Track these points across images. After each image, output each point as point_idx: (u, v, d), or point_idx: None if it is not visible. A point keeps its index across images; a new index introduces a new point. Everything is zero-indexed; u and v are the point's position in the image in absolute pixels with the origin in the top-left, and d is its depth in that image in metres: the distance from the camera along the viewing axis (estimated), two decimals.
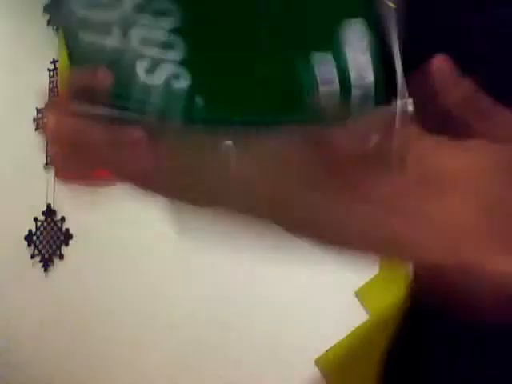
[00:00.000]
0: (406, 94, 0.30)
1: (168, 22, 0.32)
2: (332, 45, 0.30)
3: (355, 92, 0.31)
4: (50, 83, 2.72)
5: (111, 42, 0.32)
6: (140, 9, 0.32)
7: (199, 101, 0.32)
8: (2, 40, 2.91)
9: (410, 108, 0.30)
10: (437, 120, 0.32)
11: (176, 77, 0.32)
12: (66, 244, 2.58)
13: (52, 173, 2.64)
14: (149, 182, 0.37)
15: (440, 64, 0.32)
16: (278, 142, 0.32)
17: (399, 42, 0.30)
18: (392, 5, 0.30)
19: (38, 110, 2.73)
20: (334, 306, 1.83)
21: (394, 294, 1.89)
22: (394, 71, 0.30)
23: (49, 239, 2.63)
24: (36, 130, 2.74)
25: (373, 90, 0.31)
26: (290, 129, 0.31)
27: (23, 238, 2.67)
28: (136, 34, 0.32)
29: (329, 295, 1.84)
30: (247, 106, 0.33)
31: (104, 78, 0.32)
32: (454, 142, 0.32)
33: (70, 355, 2.49)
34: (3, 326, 2.65)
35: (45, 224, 2.64)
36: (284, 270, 1.98)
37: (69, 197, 2.66)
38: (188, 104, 0.32)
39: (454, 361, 0.44)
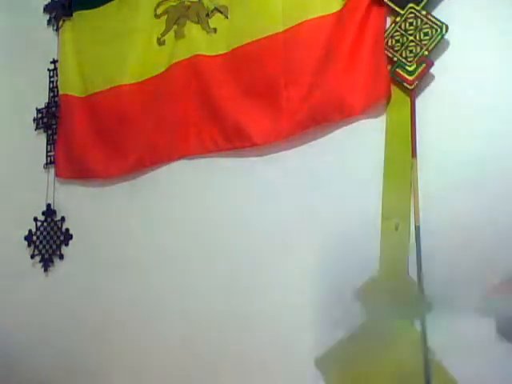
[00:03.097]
0: None
1: None
2: None
3: None
4: (49, 83, 2.72)
5: None
6: None
7: None
8: (2, 40, 2.91)
9: None
10: None
11: None
12: (66, 244, 2.58)
13: (52, 173, 2.65)
14: None
15: None
16: None
17: None
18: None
19: (38, 110, 2.73)
20: (334, 306, 1.83)
21: (393, 293, 1.91)
22: None
23: (49, 239, 2.63)
24: (36, 129, 2.74)
25: None
26: None
27: (23, 238, 2.67)
28: None
29: (329, 295, 1.84)
30: None
31: None
32: None
33: (69, 355, 2.49)
34: (3, 326, 2.65)
35: (45, 224, 2.64)
36: (284, 270, 1.98)
37: (69, 197, 2.68)
38: None
39: None
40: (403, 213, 1.74)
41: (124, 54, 2.43)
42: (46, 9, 2.76)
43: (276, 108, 2.00)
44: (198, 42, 2.23)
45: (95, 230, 2.50)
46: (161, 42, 2.35)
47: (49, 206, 2.62)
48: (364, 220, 1.82)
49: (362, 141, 1.85)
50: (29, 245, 2.66)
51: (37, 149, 2.71)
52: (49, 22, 2.75)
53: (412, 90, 1.75)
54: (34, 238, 2.66)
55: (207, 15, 2.23)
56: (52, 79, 2.71)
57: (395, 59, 1.78)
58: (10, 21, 2.91)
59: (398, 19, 1.79)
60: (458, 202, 1.67)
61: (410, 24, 1.76)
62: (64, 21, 2.67)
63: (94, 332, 2.43)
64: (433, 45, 1.72)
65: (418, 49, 1.74)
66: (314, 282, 1.89)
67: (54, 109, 2.68)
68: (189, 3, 2.29)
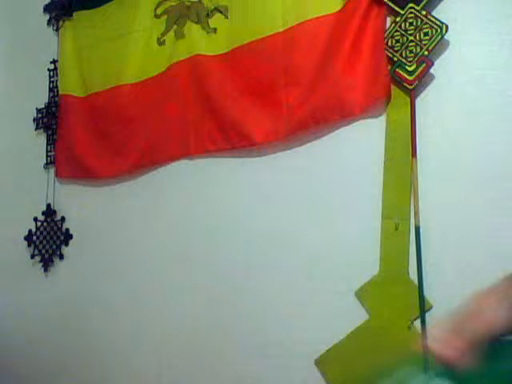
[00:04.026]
0: None
1: None
2: None
3: None
4: (49, 83, 2.72)
5: None
6: None
7: None
8: (2, 40, 2.91)
9: None
10: None
11: None
12: (66, 244, 2.58)
13: (52, 173, 2.65)
14: None
15: None
16: None
17: None
18: None
19: (38, 110, 2.73)
20: (334, 306, 1.83)
21: (393, 294, 1.92)
22: None
23: (49, 239, 2.63)
24: (36, 129, 2.74)
25: None
26: None
27: (23, 238, 2.67)
28: None
29: (329, 295, 1.84)
30: None
31: None
32: None
33: (70, 354, 2.49)
34: (3, 326, 2.65)
35: (45, 224, 2.64)
36: (284, 270, 1.98)
37: (69, 197, 2.68)
38: None
39: None
40: (403, 213, 1.74)
41: (124, 53, 2.43)
42: (46, 9, 2.76)
43: (276, 108, 2.00)
44: (198, 41, 2.23)
45: (95, 229, 2.50)
46: (161, 42, 2.35)
47: (49, 206, 2.63)
48: (364, 220, 1.82)
49: (362, 141, 1.85)
50: (29, 245, 2.66)
51: (37, 149, 2.71)
52: (49, 22, 2.75)
53: (412, 90, 1.75)
54: (34, 238, 2.66)
55: (207, 15, 2.23)
56: (52, 79, 2.72)
57: (395, 59, 1.77)
58: (10, 21, 2.91)
59: (398, 19, 1.79)
60: (458, 202, 1.67)
61: (410, 24, 1.76)
62: (64, 21, 2.67)
63: (94, 332, 2.43)
64: (433, 45, 1.71)
65: (418, 49, 1.74)
66: (313, 282, 1.90)
67: (54, 109, 2.68)
68: (189, 3, 2.29)
